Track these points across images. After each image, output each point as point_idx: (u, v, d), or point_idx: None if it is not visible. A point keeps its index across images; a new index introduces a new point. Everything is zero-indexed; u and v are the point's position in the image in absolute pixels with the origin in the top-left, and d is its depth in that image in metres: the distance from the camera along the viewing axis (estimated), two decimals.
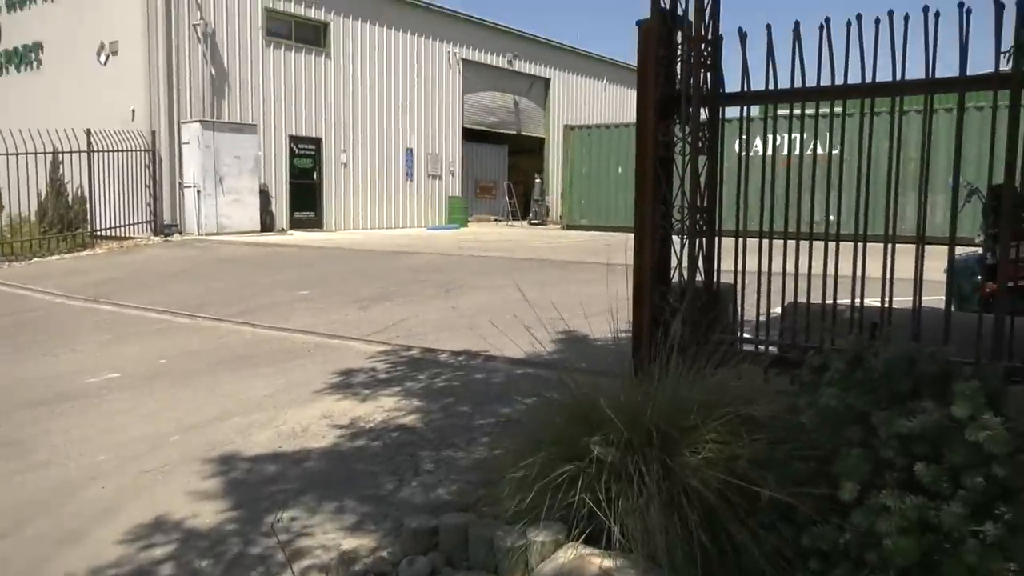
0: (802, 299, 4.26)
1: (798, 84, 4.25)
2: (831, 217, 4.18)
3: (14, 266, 14.35)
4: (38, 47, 20.20)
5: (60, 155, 16.40)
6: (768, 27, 4.23)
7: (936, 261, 4.04)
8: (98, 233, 17.01)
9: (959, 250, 4.14)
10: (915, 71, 3.93)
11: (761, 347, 4.33)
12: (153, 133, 17.85)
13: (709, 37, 4.40)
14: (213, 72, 18.77)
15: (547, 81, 29.04)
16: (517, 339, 4.95)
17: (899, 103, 4.02)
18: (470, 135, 26.39)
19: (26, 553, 3.44)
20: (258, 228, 18.95)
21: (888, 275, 3.94)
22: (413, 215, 24.27)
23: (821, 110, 4.39)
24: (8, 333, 8.41)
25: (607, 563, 2.63)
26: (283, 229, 20.11)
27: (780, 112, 4.49)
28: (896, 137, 3.91)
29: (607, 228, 20.93)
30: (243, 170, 18.58)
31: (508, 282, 8.46)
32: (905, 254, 3.92)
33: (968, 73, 3.85)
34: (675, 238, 4.47)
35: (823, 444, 2.49)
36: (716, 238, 4.48)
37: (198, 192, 17.92)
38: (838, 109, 4.25)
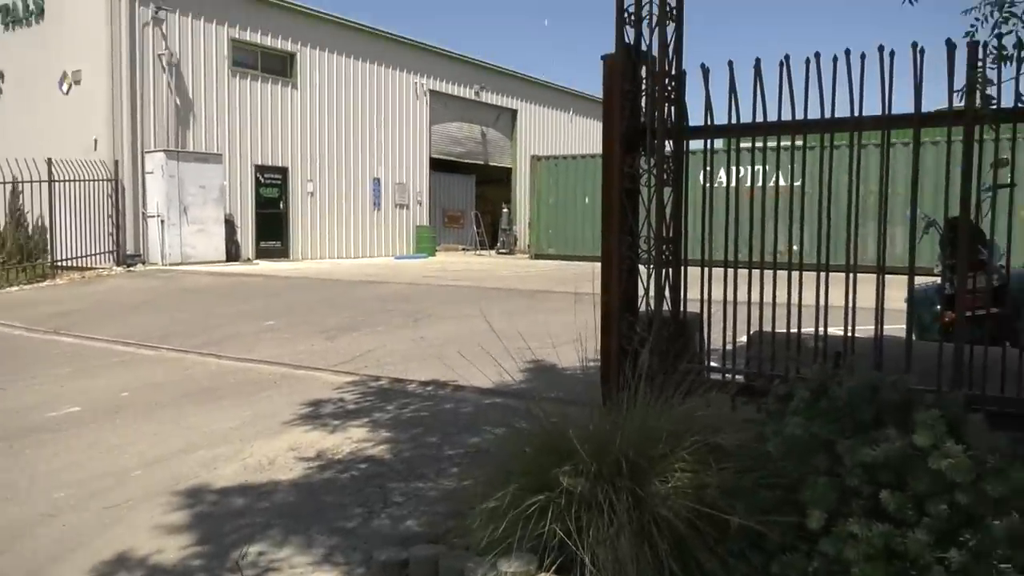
0: (767, 328, 4.34)
1: (759, 118, 4.36)
2: (794, 247, 4.27)
3: None
4: None
5: (20, 184, 16.16)
6: (730, 63, 4.34)
7: (896, 291, 4.14)
8: (59, 263, 16.72)
9: (919, 280, 4.25)
10: (873, 106, 4.06)
11: (728, 376, 4.38)
12: (116, 162, 17.66)
13: (673, 72, 4.50)
14: (178, 102, 18.68)
15: (514, 112, 29.31)
16: (485, 369, 4.96)
17: (857, 138, 4.14)
18: (438, 165, 26.48)
19: None
20: (223, 258, 18.77)
21: (850, 305, 4.02)
22: (381, 244, 24.21)
23: (783, 143, 4.50)
24: None
25: None
26: (249, 259, 19.93)
27: (743, 145, 4.59)
28: (856, 170, 4.01)
29: (574, 257, 21.05)
30: (208, 200, 18.43)
31: (476, 312, 8.47)
32: (866, 283, 4.01)
33: (924, 109, 3.98)
34: (642, 268, 4.53)
35: (790, 472, 2.53)
36: (682, 268, 4.55)
37: (162, 222, 17.73)
38: (799, 142, 4.36)
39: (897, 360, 3.78)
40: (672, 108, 4.55)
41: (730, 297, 4.37)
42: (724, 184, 4.57)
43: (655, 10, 4.39)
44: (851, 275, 4.02)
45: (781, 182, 4.26)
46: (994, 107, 3.61)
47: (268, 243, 20.84)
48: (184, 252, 17.96)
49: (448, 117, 26.66)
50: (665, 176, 4.46)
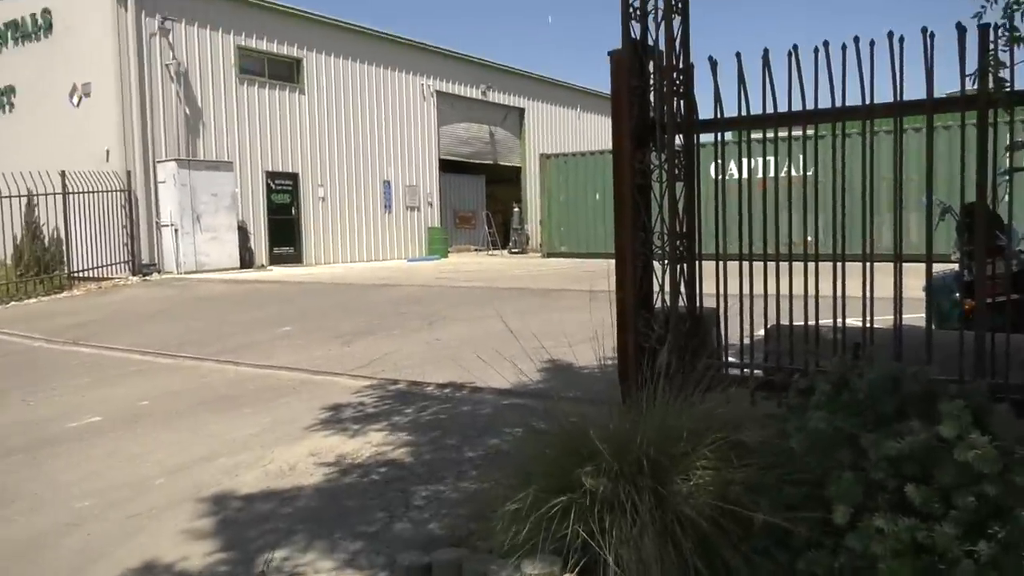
0: (784, 321, 4.31)
1: (770, 109, 4.33)
2: (808, 238, 4.25)
3: None
4: (10, 91, 20.11)
5: (35, 197, 16.26)
6: (738, 55, 4.31)
7: (913, 279, 4.10)
8: (75, 275, 16.84)
9: (936, 268, 4.21)
10: (882, 93, 4.02)
11: (746, 371, 4.36)
12: (128, 173, 17.77)
13: (680, 66, 4.48)
14: (187, 111, 18.77)
15: (522, 111, 29.28)
16: (502, 370, 4.96)
17: (869, 126, 4.10)
18: (447, 166, 26.49)
19: None
20: (237, 265, 18.86)
21: (868, 294, 3.99)
22: (393, 247, 24.26)
23: (794, 133, 4.47)
24: None
25: None
26: (262, 265, 20.02)
27: (754, 136, 4.57)
28: (869, 159, 3.98)
29: (587, 255, 21.02)
30: (220, 207, 18.52)
31: (491, 312, 8.47)
32: (881, 272, 3.98)
33: (936, 94, 3.94)
34: (656, 264, 4.51)
35: (814, 468, 2.51)
36: (697, 263, 4.52)
37: (176, 231, 17.83)
38: (811, 132, 4.33)
39: (917, 350, 3.74)
40: (681, 102, 4.52)
41: (746, 291, 4.34)
42: (735, 176, 4.55)
43: (660, 4, 4.37)
44: (868, 264, 3.99)
45: (794, 173, 4.24)
46: (1008, 90, 3.57)
47: (281, 249, 20.92)
48: (198, 260, 18.05)
49: (456, 118, 26.67)
50: (677, 171, 4.44)
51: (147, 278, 17.28)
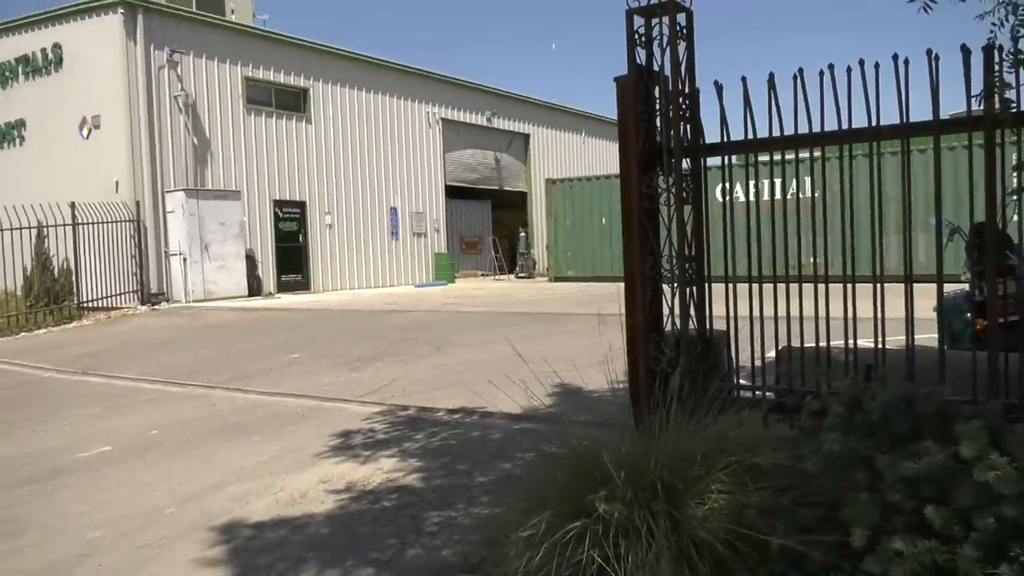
0: (795, 342, 4.30)
1: (776, 132, 4.36)
2: (812, 260, 4.25)
3: (1, 341, 14.22)
4: (21, 124, 20.31)
5: (45, 229, 16.38)
6: (743, 79, 4.34)
7: (922, 299, 4.09)
8: (85, 305, 16.90)
9: (946, 288, 4.20)
10: (890, 114, 4.04)
11: (758, 393, 4.34)
12: (137, 203, 17.89)
13: (686, 90, 4.51)
14: (195, 141, 18.93)
15: (527, 136, 29.44)
16: (512, 394, 4.94)
17: (876, 147, 4.12)
18: (453, 192, 26.60)
19: None
20: (245, 293, 18.91)
21: (879, 315, 3.98)
22: (400, 273, 24.31)
23: (801, 155, 4.49)
24: None
25: None
26: (271, 293, 20.07)
27: (760, 159, 4.58)
28: (877, 180, 3.99)
29: (594, 279, 21.01)
30: (228, 236, 18.61)
31: (499, 337, 8.47)
32: (891, 293, 3.97)
33: (941, 116, 3.96)
34: (665, 287, 4.51)
35: (829, 490, 2.49)
36: (706, 285, 4.52)
37: (184, 260, 17.91)
38: (817, 154, 4.35)
39: (929, 371, 3.73)
40: (687, 126, 4.55)
41: (756, 313, 4.34)
42: (742, 199, 4.57)
43: (665, 30, 4.41)
44: (879, 285, 3.99)
45: (801, 194, 4.24)
46: (1014, 110, 3.59)
47: (289, 276, 20.98)
48: (207, 288, 18.11)
49: (461, 144, 26.82)
50: (684, 194, 4.45)
51: (156, 307, 17.33)
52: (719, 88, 4.44)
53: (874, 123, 4.07)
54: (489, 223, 29.57)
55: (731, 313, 4.44)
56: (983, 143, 3.78)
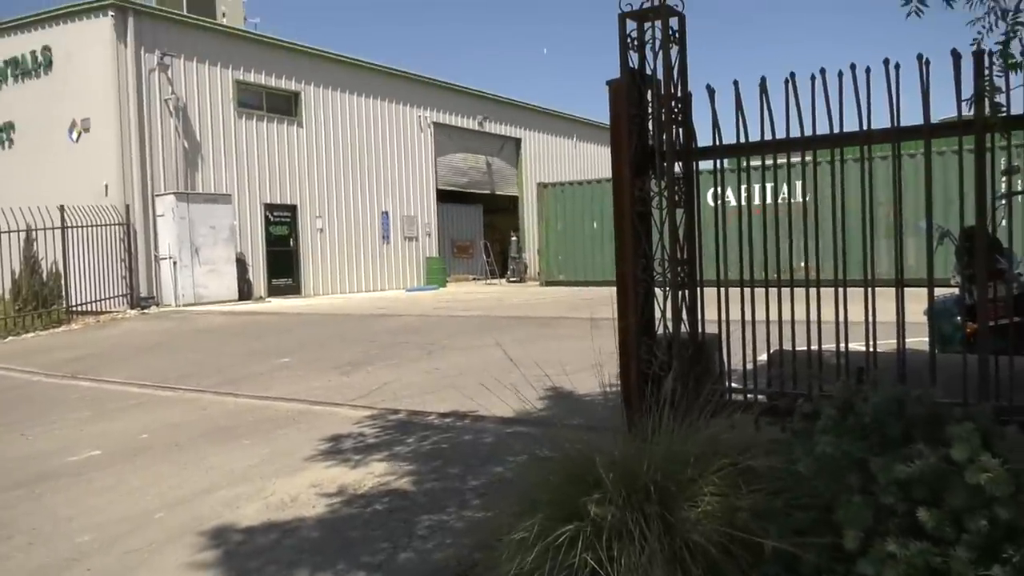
0: (787, 346, 4.31)
1: (768, 136, 4.37)
2: (802, 264, 4.26)
3: None
4: (9, 127, 20.20)
5: (34, 232, 16.30)
6: (735, 83, 4.35)
7: (912, 303, 4.11)
8: (74, 308, 16.81)
9: (936, 292, 4.22)
10: (881, 119, 4.06)
11: (750, 396, 4.35)
12: (127, 207, 17.81)
13: (678, 94, 4.51)
14: (186, 144, 18.87)
15: (518, 141, 29.47)
16: (504, 398, 4.93)
17: (868, 151, 4.14)
18: (445, 196, 26.60)
19: None
20: (236, 297, 18.84)
21: (870, 318, 3.99)
22: (391, 277, 24.27)
23: (792, 160, 4.50)
24: None
25: None
26: (261, 297, 20.00)
27: (752, 163, 4.60)
28: (868, 184, 4.01)
29: (585, 283, 21.03)
30: (219, 240, 18.55)
31: (490, 341, 8.46)
32: (881, 297, 3.99)
33: (931, 120, 3.98)
34: (657, 290, 4.52)
35: (822, 492, 2.49)
36: (698, 289, 4.53)
37: (174, 263, 17.84)
38: (809, 158, 4.36)
39: (919, 373, 3.74)
40: (680, 130, 4.56)
41: (748, 316, 4.35)
42: (733, 204, 4.58)
43: (658, 34, 4.41)
44: (870, 289, 4.00)
45: (793, 199, 4.25)
46: (1004, 115, 3.61)
47: (280, 280, 20.93)
48: (197, 292, 18.04)
49: (453, 148, 26.83)
50: (676, 198, 4.46)
51: (145, 311, 17.25)
52: (711, 92, 4.45)
53: (865, 127, 4.09)
54: (481, 227, 29.57)
55: (723, 316, 4.44)
56: (973, 147, 3.80)
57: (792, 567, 2.46)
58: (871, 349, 4.01)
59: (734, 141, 4.48)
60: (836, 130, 4.15)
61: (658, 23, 4.37)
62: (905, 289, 3.97)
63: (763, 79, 4.24)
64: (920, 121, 3.97)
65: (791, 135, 4.29)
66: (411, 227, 24.96)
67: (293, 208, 21.33)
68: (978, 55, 3.56)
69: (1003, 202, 4.01)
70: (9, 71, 20.00)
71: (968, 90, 3.70)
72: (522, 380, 4.83)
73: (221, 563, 3.85)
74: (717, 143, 4.57)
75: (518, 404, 4.73)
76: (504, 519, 3.10)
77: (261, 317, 15.66)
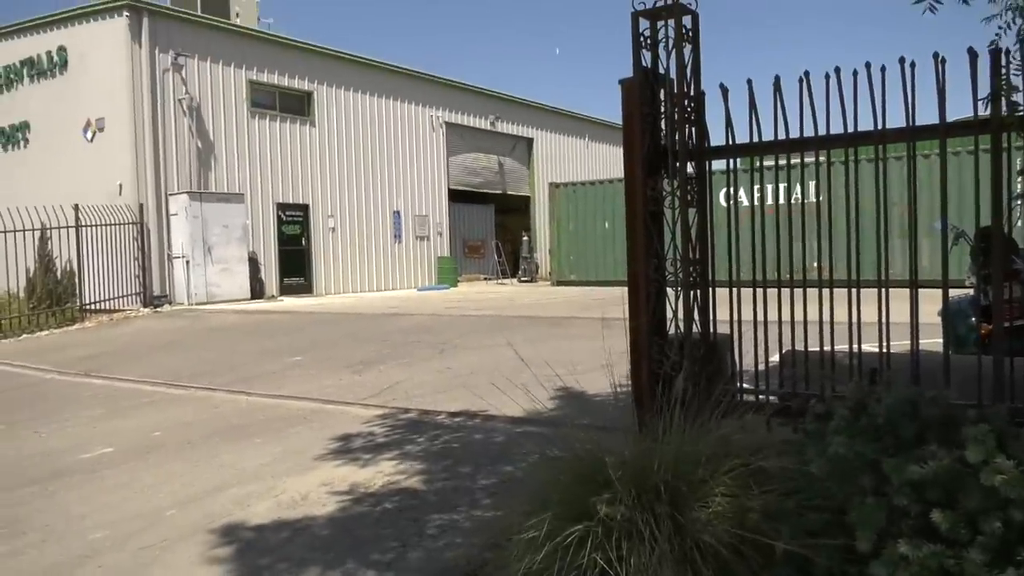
0: (799, 346, 4.28)
1: (781, 135, 4.34)
2: (815, 264, 4.23)
3: (3, 343, 14.23)
4: (25, 126, 20.37)
5: (48, 231, 16.42)
6: (749, 81, 4.33)
7: (927, 304, 4.08)
8: (87, 307, 16.93)
9: (951, 292, 4.18)
10: (896, 118, 4.03)
11: (762, 397, 4.32)
12: (141, 206, 17.92)
13: (691, 93, 4.49)
14: (199, 144, 18.96)
15: (530, 141, 29.46)
16: (515, 397, 4.92)
17: (882, 151, 4.11)
18: (456, 196, 26.62)
19: None
20: (248, 296, 18.92)
21: (883, 319, 3.96)
22: (403, 277, 24.32)
23: (806, 159, 4.48)
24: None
25: None
26: (273, 296, 20.08)
27: (766, 163, 4.57)
28: (883, 184, 3.98)
29: (597, 283, 21.00)
30: (231, 239, 18.63)
31: (501, 341, 8.45)
32: (895, 298, 3.96)
33: (946, 119, 3.94)
34: (669, 290, 4.50)
35: (834, 493, 2.47)
36: (710, 289, 4.51)
37: (187, 262, 17.93)
38: (823, 158, 4.33)
39: (933, 374, 3.71)
40: (693, 129, 4.54)
41: (760, 317, 4.33)
42: (746, 204, 4.56)
43: (671, 33, 4.40)
44: (883, 290, 3.97)
45: (806, 199, 4.23)
46: (1021, 114, 3.58)
47: (292, 279, 21.00)
48: (209, 291, 18.12)
49: (465, 148, 26.84)
50: (689, 197, 4.44)
51: (158, 310, 17.35)
52: (725, 91, 4.43)
53: (880, 126, 4.06)
54: (492, 227, 29.58)
55: (735, 317, 4.42)
56: (989, 147, 3.77)
57: (804, 569, 2.44)
58: (884, 350, 3.98)
59: (747, 140, 4.46)
60: (850, 130, 4.13)
61: (671, 22, 4.36)
62: (919, 290, 3.94)
63: (777, 78, 4.22)
64: (935, 121, 3.93)
65: (805, 135, 4.26)
66: (423, 227, 25.00)
67: (305, 207, 21.40)
68: (995, 53, 3.53)
69: (1018, 203, 3.98)
70: (25, 71, 20.17)
71: (984, 89, 3.67)
72: (533, 380, 4.82)
73: (232, 560, 3.86)
74: (730, 142, 4.55)
75: (529, 404, 4.73)
76: (514, 518, 3.10)
77: (273, 316, 15.71)
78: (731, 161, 4.63)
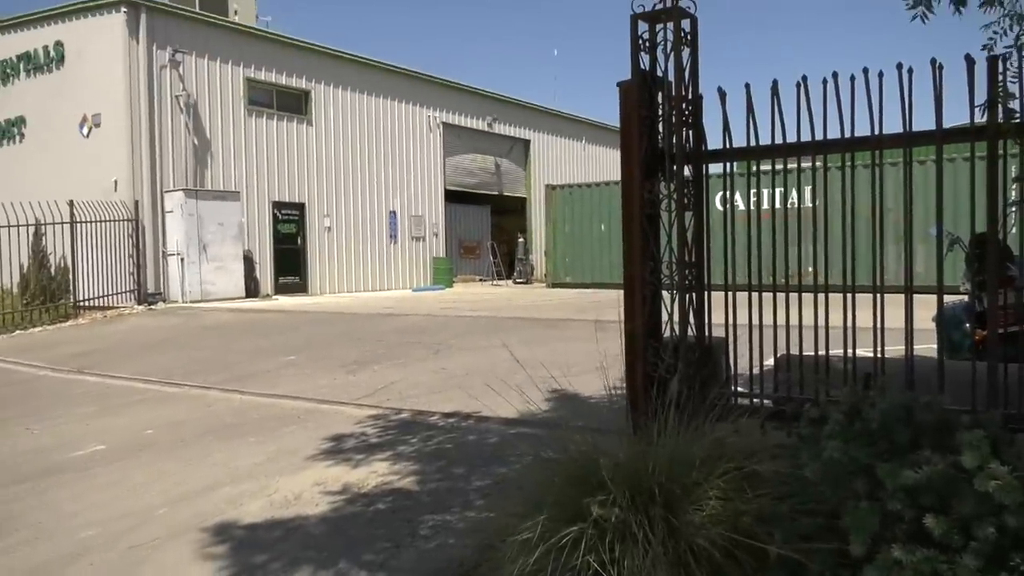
0: (794, 351, 4.29)
1: (779, 140, 4.35)
2: (810, 269, 4.24)
3: None
4: (21, 121, 20.30)
5: (43, 227, 16.36)
6: (747, 86, 4.33)
7: (921, 310, 4.08)
8: (81, 303, 16.86)
9: (946, 298, 4.19)
10: (893, 124, 4.04)
11: (756, 401, 4.33)
12: (136, 203, 17.87)
13: (689, 96, 4.50)
14: (196, 141, 18.92)
15: (527, 142, 29.46)
16: (509, 399, 4.92)
17: (879, 156, 4.11)
18: (453, 196, 26.61)
19: None
20: (243, 294, 18.88)
21: (878, 324, 3.97)
22: (398, 277, 24.29)
23: (803, 164, 4.48)
24: None
25: None
26: (268, 294, 20.04)
27: (763, 167, 4.58)
28: (879, 189, 3.98)
29: (592, 285, 21.01)
30: (227, 237, 18.59)
31: (496, 342, 8.45)
32: (889, 304, 3.96)
33: (943, 125, 3.95)
34: (664, 293, 4.50)
35: (828, 498, 2.47)
36: (706, 293, 4.51)
37: (182, 260, 17.89)
38: (819, 163, 4.34)
39: (928, 380, 3.72)
40: (690, 132, 4.54)
41: (755, 320, 4.33)
42: (742, 208, 4.56)
43: (670, 36, 4.40)
44: (878, 295, 3.98)
45: (802, 203, 4.23)
46: (1017, 120, 3.58)
47: (287, 278, 20.96)
48: (204, 289, 18.08)
49: (462, 149, 26.84)
50: (686, 201, 4.44)
51: (152, 307, 17.30)
52: (723, 95, 4.43)
53: (877, 132, 4.06)
54: (488, 228, 29.58)
55: (730, 320, 4.42)
56: (985, 154, 3.78)
57: (797, 573, 2.44)
58: (879, 355, 3.99)
59: (744, 144, 4.46)
60: (848, 135, 4.13)
61: (670, 25, 4.36)
62: (914, 295, 3.94)
63: (775, 82, 4.23)
64: (932, 127, 3.94)
65: (802, 139, 4.26)
66: (419, 227, 24.98)
67: (301, 206, 21.37)
68: (992, 60, 3.54)
69: (1013, 210, 3.99)
70: (21, 65, 20.10)
71: (981, 96, 3.67)
72: (528, 381, 4.82)
73: (225, 559, 3.84)
74: (727, 146, 4.55)
75: (523, 405, 4.72)
76: (508, 520, 3.09)
77: (268, 315, 15.68)
78: (728, 165, 4.63)
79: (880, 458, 2.53)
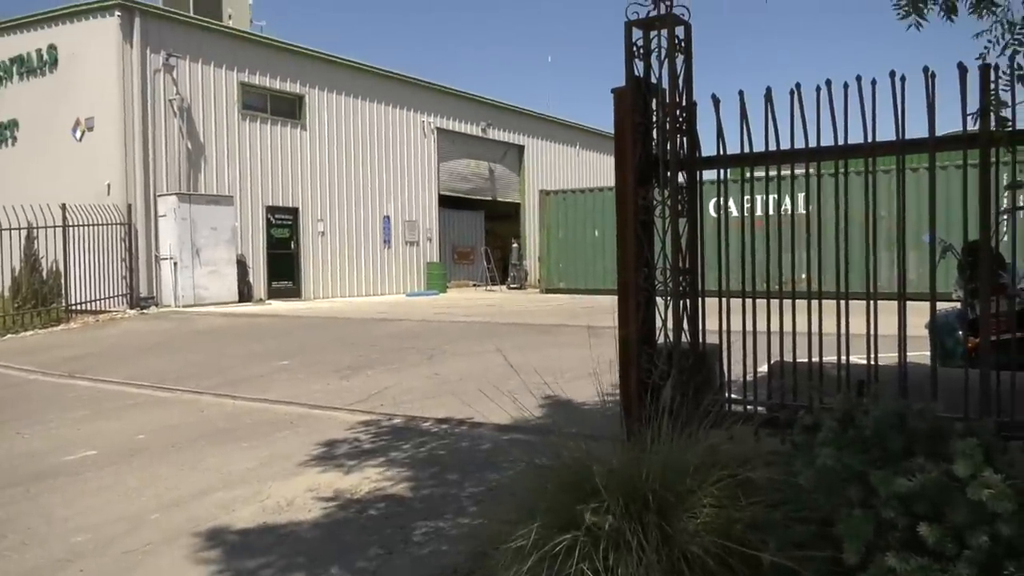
0: (787, 358, 4.29)
1: (772, 147, 4.36)
2: (803, 276, 4.25)
3: None
4: (13, 124, 20.23)
5: (35, 230, 16.29)
6: (741, 92, 4.36)
7: (914, 317, 4.09)
8: (73, 307, 16.80)
9: (938, 305, 4.21)
10: (886, 132, 4.05)
11: (750, 408, 4.33)
12: (129, 206, 17.81)
13: (683, 103, 4.51)
14: (189, 145, 18.89)
15: (521, 148, 29.49)
16: (502, 405, 4.91)
17: (872, 164, 4.13)
18: (446, 201, 26.60)
19: None
20: (236, 299, 18.83)
21: (872, 331, 3.98)
22: (392, 282, 24.26)
23: (796, 171, 4.49)
24: None
25: None
26: (261, 299, 19.99)
27: (756, 174, 4.59)
28: (872, 196, 4.00)
29: (586, 291, 21.02)
30: (220, 241, 18.55)
31: (490, 347, 8.44)
32: (882, 310, 3.97)
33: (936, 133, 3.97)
34: (658, 299, 4.51)
35: (822, 505, 2.47)
36: (700, 299, 4.52)
37: (175, 264, 17.84)
38: (813, 170, 4.35)
39: (921, 387, 3.73)
40: (684, 139, 4.55)
41: (749, 327, 4.33)
42: (735, 214, 4.57)
43: (663, 43, 4.41)
44: (871, 302, 3.99)
45: (797, 210, 4.25)
46: (1009, 129, 3.60)
47: (280, 283, 20.92)
48: (197, 294, 18.03)
49: (456, 154, 26.85)
50: (680, 207, 4.45)
51: (145, 311, 17.23)
52: (716, 102, 4.44)
53: (870, 139, 4.08)
54: (482, 233, 29.57)
55: (724, 327, 4.43)
56: (977, 162, 3.80)
57: None
58: (872, 362, 4.00)
59: (738, 151, 4.48)
60: (841, 142, 4.15)
61: (664, 32, 4.38)
62: (907, 302, 3.96)
63: (768, 89, 4.24)
64: (925, 135, 3.96)
65: (796, 146, 4.28)
66: (412, 232, 24.97)
67: (295, 211, 21.34)
68: (984, 69, 3.56)
69: (1004, 217, 4.01)
70: (14, 69, 20.04)
71: (974, 104, 3.69)
72: (521, 387, 4.82)
73: (216, 565, 3.83)
74: (721, 153, 4.56)
75: (517, 411, 4.72)
76: (501, 527, 3.09)
77: (261, 319, 15.64)
78: (722, 171, 4.64)
79: (874, 465, 2.53)
